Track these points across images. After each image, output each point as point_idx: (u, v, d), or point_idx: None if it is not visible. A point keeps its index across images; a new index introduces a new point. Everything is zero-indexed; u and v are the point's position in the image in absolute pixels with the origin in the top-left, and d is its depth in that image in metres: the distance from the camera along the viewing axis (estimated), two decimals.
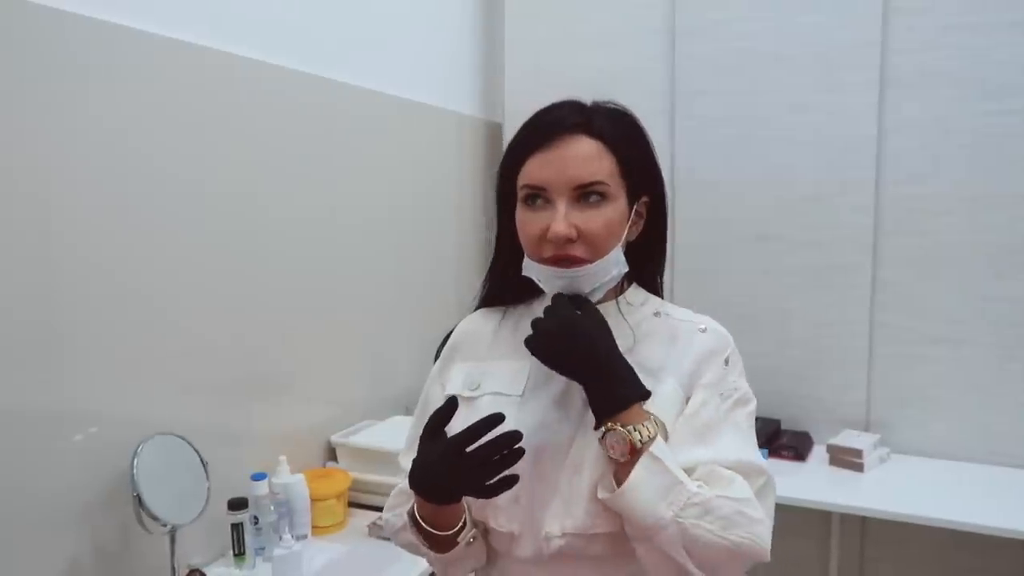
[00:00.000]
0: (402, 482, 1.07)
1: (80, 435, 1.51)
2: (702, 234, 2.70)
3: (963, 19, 2.32)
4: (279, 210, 2.01)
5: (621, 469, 0.89)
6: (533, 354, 0.94)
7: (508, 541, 0.99)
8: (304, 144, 2.08)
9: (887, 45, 2.42)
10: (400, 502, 1.06)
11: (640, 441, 0.88)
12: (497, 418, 0.88)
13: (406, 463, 1.06)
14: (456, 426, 0.93)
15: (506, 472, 0.89)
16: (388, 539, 1.10)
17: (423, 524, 0.96)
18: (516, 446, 0.88)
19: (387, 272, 2.47)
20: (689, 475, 0.90)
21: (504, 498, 0.95)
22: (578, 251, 0.94)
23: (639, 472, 0.87)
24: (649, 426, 0.89)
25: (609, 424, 0.89)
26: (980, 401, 2.40)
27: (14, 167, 1.37)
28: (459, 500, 0.94)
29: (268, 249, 1.98)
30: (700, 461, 0.92)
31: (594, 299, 0.99)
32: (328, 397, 2.24)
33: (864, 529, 2.61)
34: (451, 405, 0.91)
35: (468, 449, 0.88)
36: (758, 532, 0.89)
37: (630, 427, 0.88)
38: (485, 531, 1.02)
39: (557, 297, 0.97)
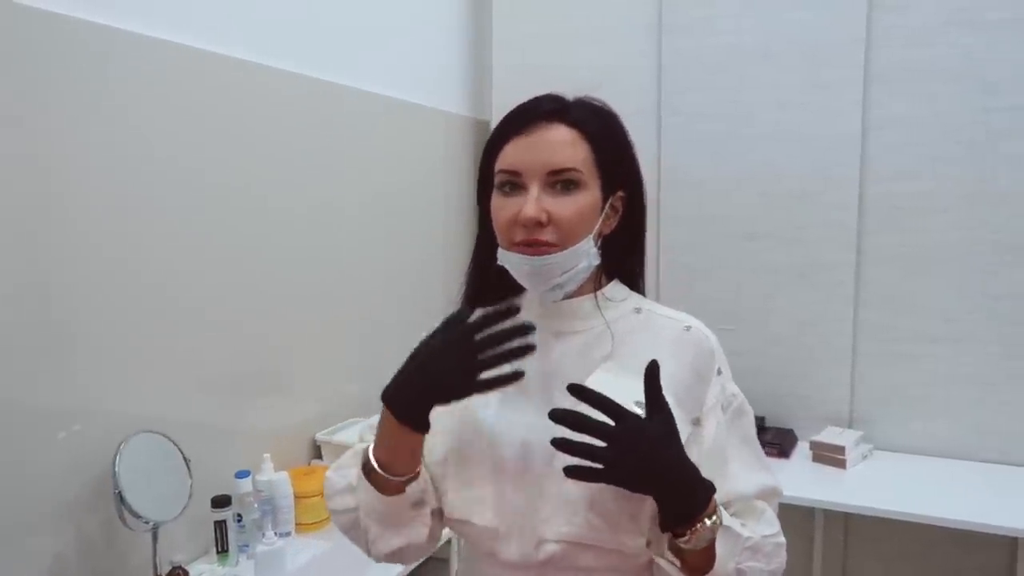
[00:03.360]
0: (357, 445, 1.06)
1: (63, 432, 1.51)
2: (688, 231, 2.71)
3: (946, 17, 2.34)
4: (267, 208, 2.00)
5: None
6: (613, 480, 0.84)
7: (491, 540, 0.97)
8: (293, 144, 2.08)
9: (871, 42, 2.43)
10: (349, 463, 1.02)
11: (719, 523, 0.89)
12: (514, 308, 0.87)
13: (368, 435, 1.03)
14: (439, 427, 0.93)
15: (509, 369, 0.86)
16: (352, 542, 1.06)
17: (375, 466, 0.93)
18: (527, 342, 0.86)
19: (375, 270, 2.46)
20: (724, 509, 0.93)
21: (487, 491, 0.94)
22: (547, 236, 0.93)
23: (720, 548, 0.89)
24: (718, 509, 0.89)
25: (696, 527, 0.86)
26: (961, 398, 2.43)
27: (8, 165, 1.38)
28: (426, 422, 0.90)
29: (255, 246, 1.97)
30: (731, 497, 0.96)
31: (564, 291, 0.98)
32: (314, 395, 2.23)
33: (847, 525, 2.63)
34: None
35: (478, 337, 0.86)
36: (783, 555, 0.98)
37: (707, 521, 0.87)
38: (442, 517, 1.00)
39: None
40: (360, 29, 2.36)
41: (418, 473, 0.95)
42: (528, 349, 0.86)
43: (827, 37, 2.47)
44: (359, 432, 2.18)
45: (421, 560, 1.05)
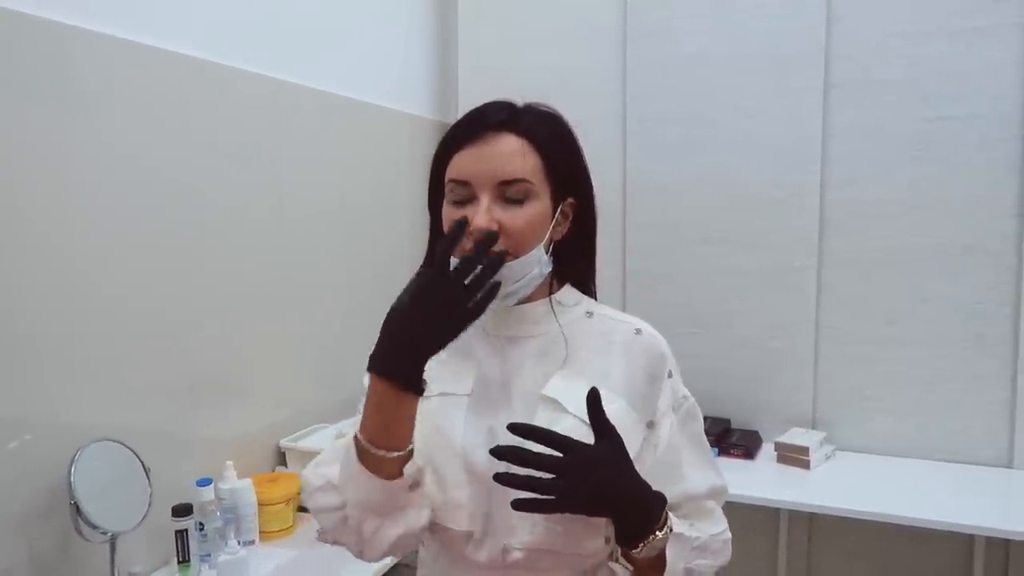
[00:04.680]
0: (337, 440, 1.02)
1: (15, 442, 1.46)
2: (652, 236, 2.73)
3: (903, 27, 2.39)
4: (226, 211, 1.97)
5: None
6: (568, 509, 0.86)
7: (464, 542, 0.97)
8: (255, 145, 2.05)
9: (831, 51, 2.48)
10: (328, 459, 0.99)
11: (670, 530, 0.93)
12: (463, 222, 0.88)
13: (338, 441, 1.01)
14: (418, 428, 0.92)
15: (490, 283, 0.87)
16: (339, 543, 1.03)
17: (367, 446, 0.89)
18: (495, 248, 0.89)
19: (337, 274, 2.44)
20: (673, 511, 0.97)
21: (463, 496, 0.95)
22: (498, 246, 0.93)
23: (670, 554, 0.92)
24: (668, 517, 0.93)
25: (648, 540, 0.90)
26: (921, 399, 2.47)
27: None
28: (420, 380, 0.88)
29: (214, 249, 1.94)
30: (681, 498, 1.00)
31: (516, 297, 0.98)
32: (277, 400, 2.20)
33: (811, 525, 2.66)
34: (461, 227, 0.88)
35: (454, 266, 0.86)
36: (729, 549, 1.04)
37: (659, 533, 0.91)
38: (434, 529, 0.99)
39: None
40: (322, 30, 2.34)
41: (412, 451, 0.92)
42: (501, 260, 0.88)
43: (789, 45, 2.51)
44: (331, 436, 2.16)
45: (409, 551, 1.02)
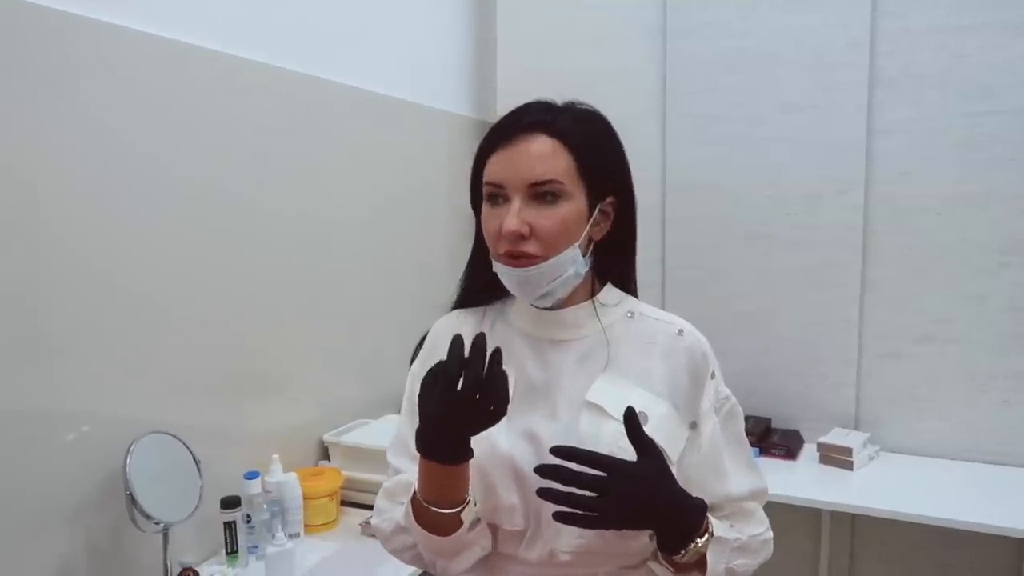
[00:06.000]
0: (387, 482, 1.08)
1: (73, 434, 1.51)
2: (693, 233, 2.72)
3: (949, 20, 2.34)
4: (271, 209, 2.01)
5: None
6: (608, 527, 0.88)
7: (518, 541, 1.00)
8: (296, 143, 2.09)
9: (875, 46, 2.44)
10: (388, 506, 1.06)
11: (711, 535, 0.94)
12: (459, 339, 0.86)
13: (395, 461, 1.06)
14: None
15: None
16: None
17: (427, 506, 0.94)
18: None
19: (379, 271, 2.47)
20: (714, 512, 0.97)
21: (514, 498, 0.97)
22: (531, 248, 0.95)
23: (710, 557, 0.94)
24: (709, 522, 0.94)
25: (689, 548, 0.92)
26: (968, 399, 2.42)
27: (3, 165, 1.37)
28: (464, 453, 0.91)
29: (261, 248, 1.98)
30: (723, 499, 1.01)
31: (554, 298, 0.99)
32: (321, 396, 2.24)
33: (854, 527, 2.63)
34: (457, 344, 0.86)
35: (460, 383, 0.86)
36: (770, 548, 1.05)
37: (699, 541, 0.92)
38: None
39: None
40: (360, 27, 2.36)
41: (469, 500, 0.96)
42: (499, 366, 0.86)
43: (832, 41, 2.48)
44: (372, 432, 2.19)
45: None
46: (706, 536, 0.92)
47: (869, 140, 2.47)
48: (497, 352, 0.85)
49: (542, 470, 0.85)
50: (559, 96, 1.03)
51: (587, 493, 0.85)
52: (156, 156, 1.67)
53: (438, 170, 2.77)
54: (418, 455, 0.92)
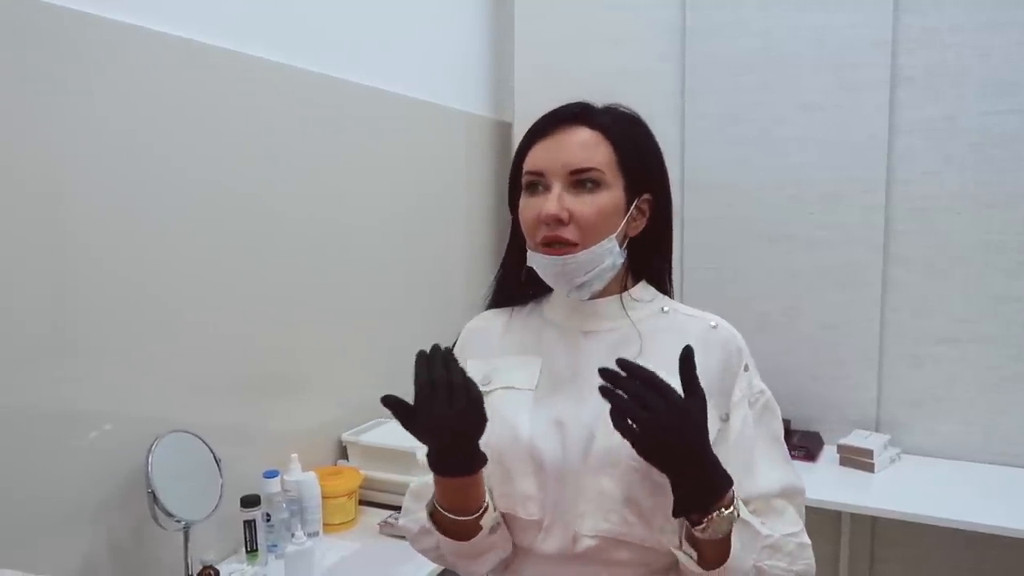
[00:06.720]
0: (414, 482, 1.09)
1: (95, 432, 1.53)
2: (712, 233, 2.70)
3: (972, 18, 2.32)
4: (290, 210, 2.02)
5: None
6: (646, 457, 0.87)
7: (535, 532, 1.00)
8: (314, 144, 2.10)
9: (897, 44, 2.42)
10: (415, 507, 1.07)
11: (736, 515, 0.89)
12: (421, 354, 0.91)
13: (423, 456, 1.07)
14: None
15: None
16: (400, 537, 1.10)
17: (445, 513, 0.97)
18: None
19: (398, 271, 2.48)
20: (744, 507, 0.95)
21: (531, 487, 0.97)
22: (568, 234, 0.96)
23: (736, 544, 0.89)
24: (736, 503, 0.90)
25: (712, 516, 0.87)
26: (990, 401, 2.39)
27: (25, 167, 1.39)
28: (476, 462, 0.93)
29: (280, 250, 1.99)
30: (753, 495, 0.97)
31: (591, 290, 1.00)
32: (339, 395, 2.25)
33: (874, 529, 2.60)
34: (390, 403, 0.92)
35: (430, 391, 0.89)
36: (809, 556, 0.98)
37: (723, 511, 0.88)
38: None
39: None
40: (378, 28, 2.37)
41: (487, 506, 0.98)
42: (455, 366, 0.91)
43: (852, 40, 2.46)
44: (389, 431, 2.19)
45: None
46: (731, 509, 0.88)
47: (891, 139, 2.45)
48: (447, 351, 0.90)
49: (604, 372, 0.85)
50: (590, 98, 1.05)
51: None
52: (177, 159, 1.68)
53: (456, 170, 2.78)
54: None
